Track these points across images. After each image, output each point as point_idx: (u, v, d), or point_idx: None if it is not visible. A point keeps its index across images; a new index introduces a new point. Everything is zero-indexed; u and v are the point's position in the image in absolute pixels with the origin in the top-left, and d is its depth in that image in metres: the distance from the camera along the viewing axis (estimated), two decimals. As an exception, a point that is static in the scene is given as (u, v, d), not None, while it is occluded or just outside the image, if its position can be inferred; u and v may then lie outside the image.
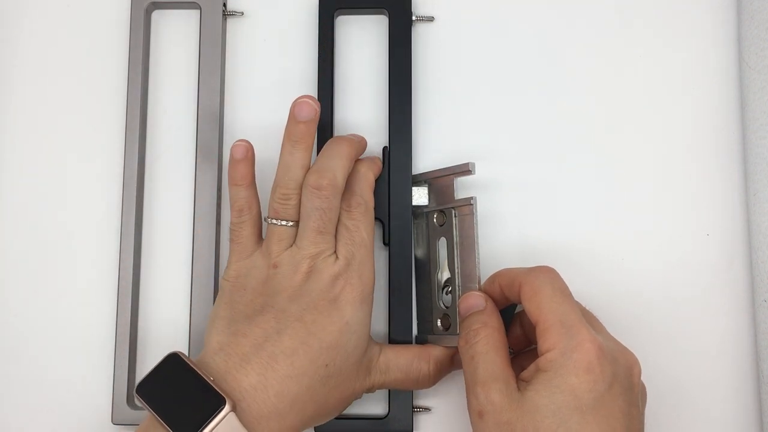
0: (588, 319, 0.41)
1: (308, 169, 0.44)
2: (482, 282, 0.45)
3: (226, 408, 0.38)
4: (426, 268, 0.48)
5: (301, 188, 0.44)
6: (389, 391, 0.47)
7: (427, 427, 0.49)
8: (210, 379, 0.39)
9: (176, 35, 0.52)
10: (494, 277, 0.44)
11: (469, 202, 0.45)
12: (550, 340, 0.39)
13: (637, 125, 0.51)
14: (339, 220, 0.45)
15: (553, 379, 0.38)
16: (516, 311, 0.45)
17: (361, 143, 0.47)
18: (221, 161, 0.50)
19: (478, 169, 0.47)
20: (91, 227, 0.51)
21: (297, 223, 0.44)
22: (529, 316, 0.40)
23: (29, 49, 0.53)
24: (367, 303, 0.44)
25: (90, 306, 0.50)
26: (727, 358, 0.49)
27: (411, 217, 0.48)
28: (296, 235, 0.44)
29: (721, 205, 0.50)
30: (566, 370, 0.38)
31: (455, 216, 0.46)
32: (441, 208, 0.47)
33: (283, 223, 0.44)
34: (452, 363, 0.46)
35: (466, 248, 0.45)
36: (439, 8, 0.52)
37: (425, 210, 0.48)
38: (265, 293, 0.43)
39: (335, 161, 0.44)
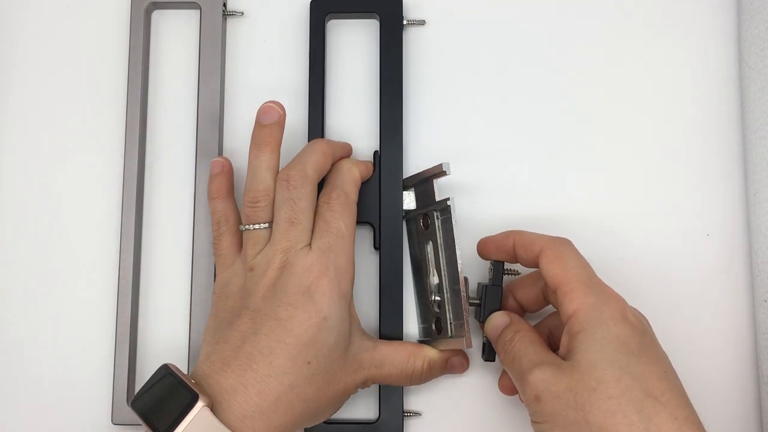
0: None
1: (276, 170, 0.45)
2: (466, 285, 0.45)
3: (199, 403, 0.38)
4: (422, 271, 0.48)
5: (270, 190, 0.44)
6: (380, 396, 0.47)
7: (418, 432, 0.48)
8: (191, 382, 0.40)
9: (176, 35, 0.52)
10: (511, 234, 0.44)
11: (446, 203, 0.45)
12: (577, 299, 0.40)
13: (637, 125, 0.51)
14: (317, 212, 0.44)
15: (596, 334, 0.38)
16: (505, 269, 0.46)
17: (341, 145, 0.48)
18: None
19: (471, 171, 0.47)
20: (91, 227, 0.51)
21: (270, 224, 0.44)
22: (549, 279, 0.41)
23: (29, 49, 0.53)
24: (345, 297, 0.43)
25: (90, 306, 0.50)
26: (727, 358, 0.49)
27: (402, 222, 0.48)
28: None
29: (721, 205, 0.50)
30: (604, 322, 0.39)
31: (437, 218, 0.46)
32: (425, 211, 0.47)
33: (256, 226, 0.44)
34: (445, 366, 0.47)
35: (448, 249, 0.45)
36: (430, 12, 0.52)
37: (413, 214, 0.48)
38: (242, 297, 0.43)
39: (306, 156, 0.45)
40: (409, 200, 0.48)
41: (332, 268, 0.42)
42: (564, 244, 0.42)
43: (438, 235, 0.46)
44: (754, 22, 0.49)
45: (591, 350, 0.38)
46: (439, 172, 0.46)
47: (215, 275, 0.46)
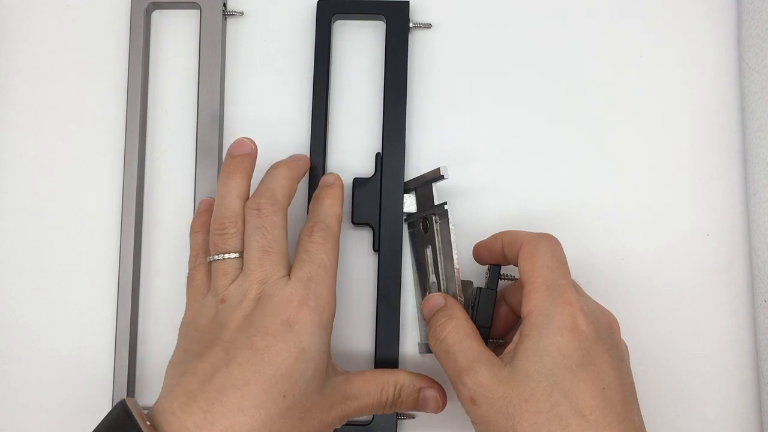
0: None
1: (246, 198, 0.43)
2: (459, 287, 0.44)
3: None
4: (424, 276, 0.48)
5: (238, 217, 0.43)
6: None
7: (413, 434, 0.48)
8: (146, 424, 0.37)
9: (176, 35, 0.52)
10: (499, 235, 0.44)
11: (443, 208, 0.45)
12: (533, 301, 0.39)
13: (637, 126, 0.51)
14: (298, 244, 0.43)
15: (539, 343, 0.38)
16: (502, 274, 0.45)
17: (300, 163, 0.46)
18: (221, 161, 0.50)
19: (474, 174, 0.47)
20: (91, 227, 0.51)
21: (241, 254, 0.42)
22: (522, 276, 0.40)
23: (29, 49, 0.53)
24: (326, 329, 0.41)
25: (90, 306, 0.50)
26: (727, 358, 0.49)
27: (401, 224, 0.48)
28: (242, 266, 0.42)
29: (721, 205, 0.50)
30: (551, 332, 0.38)
31: (436, 222, 0.46)
32: (424, 214, 0.47)
33: (226, 256, 0.42)
34: (417, 394, 0.44)
35: (446, 253, 0.45)
36: (436, 15, 0.52)
37: (414, 218, 0.48)
38: (214, 329, 0.41)
39: (273, 182, 0.43)
40: (409, 203, 0.48)
41: (313, 299, 0.41)
42: (542, 240, 0.41)
43: (437, 238, 0.46)
44: (754, 22, 0.49)
45: (531, 360, 0.38)
46: (437, 176, 0.46)
47: (185, 309, 0.44)
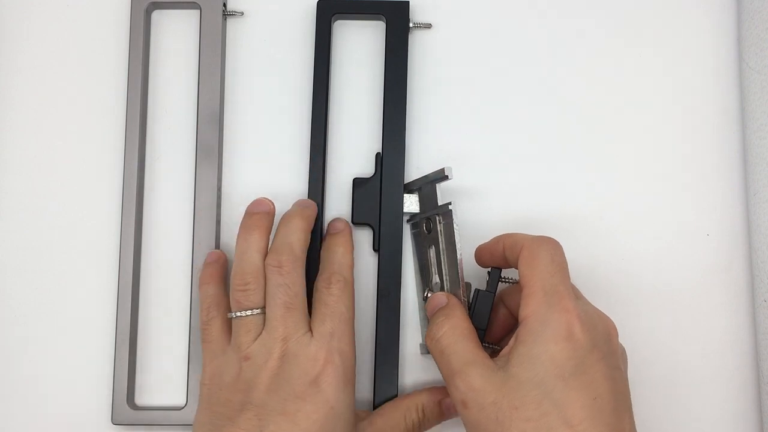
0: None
1: (265, 253, 0.44)
2: (462, 289, 0.44)
3: None
4: (426, 277, 0.48)
5: (259, 273, 0.43)
6: (374, 391, 0.47)
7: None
8: None
9: (176, 35, 0.52)
10: (500, 238, 0.44)
11: (447, 208, 0.45)
12: (530, 306, 0.39)
13: (637, 126, 0.51)
14: (316, 297, 0.44)
15: (533, 349, 0.38)
16: (500, 277, 0.45)
17: (310, 211, 0.46)
18: (221, 161, 0.50)
19: (474, 175, 0.47)
20: (91, 227, 0.51)
21: (263, 309, 0.43)
22: (521, 280, 0.40)
23: (29, 49, 0.53)
24: (350, 383, 0.42)
25: (90, 306, 0.50)
26: (727, 358, 0.49)
27: (401, 224, 0.48)
28: (264, 322, 0.43)
29: (721, 205, 0.50)
30: (545, 339, 0.38)
31: (439, 222, 0.46)
32: (427, 215, 0.47)
33: (248, 312, 0.43)
34: (439, 407, 0.45)
35: (450, 254, 0.45)
36: (436, 15, 0.52)
37: (417, 218, 0.48)
38: (241, 389, 0.41)
39: (290, 237, 0.44)
40: (411, 203, 0.48)
41: (336, 355, 0.41)
42: (542, 244, 0.41)
43: (440, 239, 0.46)
44: (754, 22, 0.49)
45: (523, 366, 0.38)
46: (441, 176, 0.45)
47: (203, 365, 0.44)
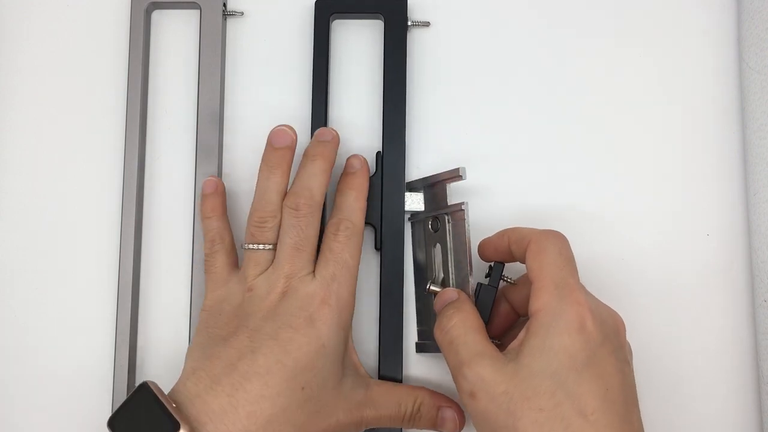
0: None
1: (285, 194, 0.45)
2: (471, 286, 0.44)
3: None
4: (425, 274, 0.48)
5: (277, 212, 0.44)
6: None
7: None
8: (172, 406, 0.38)
9: (176, 35, 0.52)
10: (505, 232, 0.44)
11: (460, 207, 0.45)
12: (542, 299, 0.39)
13: (637, 126, 0.51)
14: (323, 240, 0.44)
15: (546, 341, 0.38)
16: (502, 275, 0.45)
17: (331, 148, 0.46)
18: (221, 161, 0.50)
19: (474, 174, 0.47)
20: (91, 227, 0.51)
21: (275, 246, 0.44)
22: (529, 273, 0.41)
23: (29, 49, 0.53)
24: (344, 328, 0.43)
25: (90, 306, 0.50)
26: (727, 358, 0.49)
27: (404, 223, 0.48)
28: (273, 259, 0.44)
29: (721, 205, 0.50)
30: (558, 331, 0.38)
31: (448, 221, 0.46)
32: (435, 213, 0.47)
33: (260, 246, 0.44)
34: (436, 413, 0.45)
35: (459, 253, 0.45)
36: (435, 14, 0.52)
37: (421, 216, 0.48)
38: (239, 315, 0.42)
39: (311, 180, 0.44)
40: (414, 201, 0.48)
41: (334, 298, 0.42)
42: (549, 238, 0.41)
43: (448, 238, 0.46)
44: (754, 22, 0.49)
45: (536, 358, 0.38)
46: (455, 176, 0.46)
47: (206, 293, 0.45)
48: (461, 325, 0.41)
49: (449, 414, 0.45)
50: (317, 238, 0.44)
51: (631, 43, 0.52)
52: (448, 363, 0.41)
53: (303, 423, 0.40)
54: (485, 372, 0.38)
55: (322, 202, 0.45)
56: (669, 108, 0.51)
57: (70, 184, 0.51)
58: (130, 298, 0.49)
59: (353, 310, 0.44)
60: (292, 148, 0.45)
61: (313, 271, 0.43)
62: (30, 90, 0.52)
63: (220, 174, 0.50)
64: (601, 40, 0.52)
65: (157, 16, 0.52)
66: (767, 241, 0.47)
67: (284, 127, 0.46)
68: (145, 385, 0.40)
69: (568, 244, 0.42)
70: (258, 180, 0.45)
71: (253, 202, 0.45)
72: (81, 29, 0.53)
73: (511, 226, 0.44)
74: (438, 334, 0.42)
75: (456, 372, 0.40)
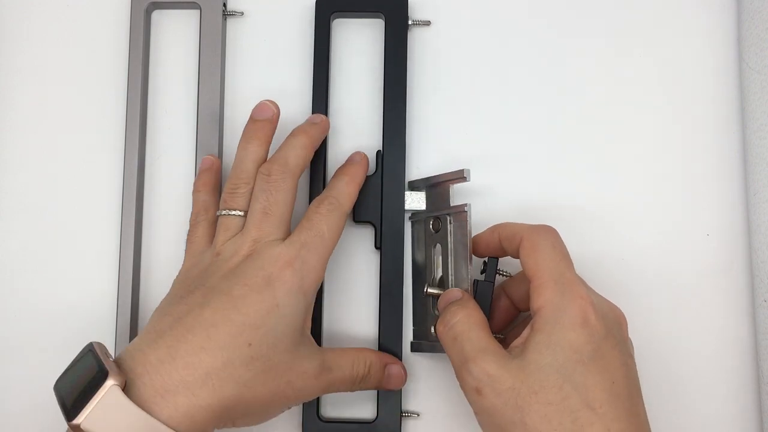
0: None
1: (261, 163, 0.45)
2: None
3: (108, 382, 0.36)
4: (423, 273, 0.48)
5: (251, 179, 0.44)
6: (377, 394, 0.47)
7: (416, 432, 0.48)
8: (107, 359, 0.38)
9: (176, 35, 0.52)
10: (495, 228, 0.44)
11: (463, 209, 0.45)
12: (544, 295, 0.39)
13: (637, 125, 0.51)
14: (305, 214, 0.44)
15: (551, 336, 0.38)
16: (498, 269, 0.45)
17: (318, 127, 0.47)
18: (221, 161, 0.50)
19: (474, 173, 0.47)
20: (92, 227, 0.51)
21: (246, 213, 0.44)
22: (526, 271, 0.41)
23: (29, 49, 0.53)
24: (305, 295, 0.42)
25: (90, 305, 0.50)
26: (727, 358, 0.49)
27: (403, 222, 0.48)
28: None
29: (721, 205, 0.50)
30: (562, 326, 0.38)
31: (450, 222, 0.46)
32: (437, 214, 0.47)
33: (232, 213, 0.44)
34: (383, 372, 0.45)
35: (459, 254, 0.45)
36: (435, 13, 0.52)
37: (422, 216, 0.48)
38: (201, 277, 0.42)
39: (288, 150, 0.45)
40: (415, 200, 0.48)
41: (299, 262, 0.41)
42: (542, 233, 0.41)
43: (449, 238, 0.46)
44: (754, 22, 0.49)
45: (542, 353, 0.38)
46: (459, 177, 0.46)
47: (183, 261, 0.45)
48: (465, 321, 0.41)
49: (395, 370, 0.46)
50: (289, 206, 0.44)
51: (631, 43, 0.52)
52: (451, 359, 0.41)
53: (248, 380, 0.39)
54: (491, 368, 0.38)
55: (298, 174, 0.44)
56: (669, 108, 0.51)
57: (70, 184, 0.51)
58: (131, 298, 0.49)
59: (320, 281, 0.43)
60: (273, 121, 0.46)
61: (283, 238, 0.43)
62: (30, 90, 0.52)
63: (220, 174, 0.50)
64: (601, 40, 0.52)
65: (157, 16, 0.52)
66: (767, 241, 0.47)
67: (267, 102, 0.46)
68: (88, 345, 0.40)
69: (560, 238, 0.42)
70: (237, 152, 0.46)
71: (230, 172, 0.45)
72: (81, 29, 0.53)
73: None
74: (441, 330, 0.42)
75: (460, 368, 0.40)
